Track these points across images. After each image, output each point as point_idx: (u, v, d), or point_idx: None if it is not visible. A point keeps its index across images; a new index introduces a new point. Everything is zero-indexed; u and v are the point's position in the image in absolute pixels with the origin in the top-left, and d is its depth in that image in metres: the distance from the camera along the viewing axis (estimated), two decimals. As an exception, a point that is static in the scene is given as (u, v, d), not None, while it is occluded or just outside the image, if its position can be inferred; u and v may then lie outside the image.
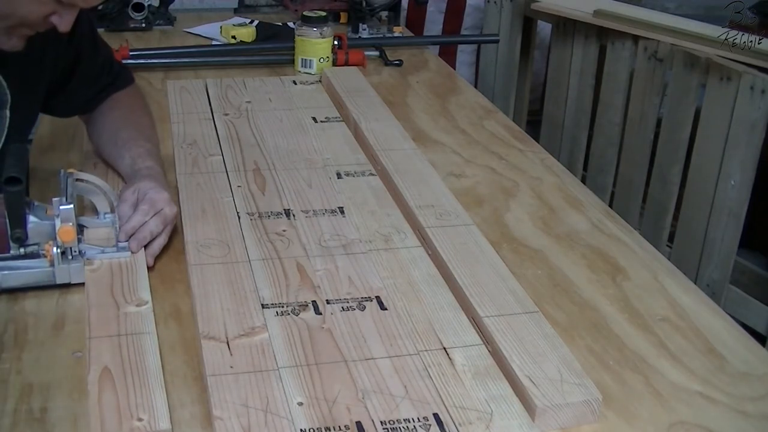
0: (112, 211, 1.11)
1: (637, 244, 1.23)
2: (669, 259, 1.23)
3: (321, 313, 0.98)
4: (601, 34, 2.35)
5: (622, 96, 2.31)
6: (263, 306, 0.98)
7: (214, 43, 2.07)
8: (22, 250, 1.02)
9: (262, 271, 1.06)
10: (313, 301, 1.00)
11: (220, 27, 2.11)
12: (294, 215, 1.20)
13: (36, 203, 1.03)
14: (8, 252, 1.01)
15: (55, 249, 1.01)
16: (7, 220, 0.99)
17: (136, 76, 1.75)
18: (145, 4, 2.12)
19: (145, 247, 1.09)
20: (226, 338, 0.92)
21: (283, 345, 0.92)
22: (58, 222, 0.99)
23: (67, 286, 1.03)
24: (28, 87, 1.19)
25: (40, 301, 1.02)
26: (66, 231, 1.00)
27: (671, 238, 2.19)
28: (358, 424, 0.82)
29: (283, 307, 0.99)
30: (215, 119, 1.51)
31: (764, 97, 1.86)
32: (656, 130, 2.20)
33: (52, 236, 1.01)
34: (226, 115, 1.53)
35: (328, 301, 1.00)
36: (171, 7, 2.22)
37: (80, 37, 1.26)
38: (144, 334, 0.93)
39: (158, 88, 1.72)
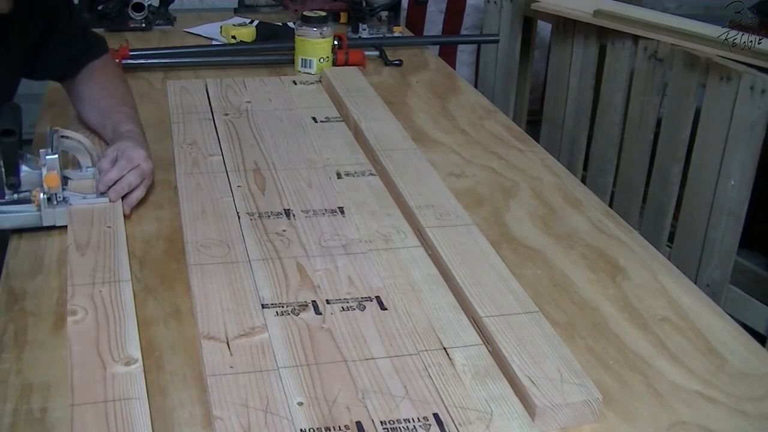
0: (94, 164, 1.23)
1: (637, 244, 1.22)
2: (669, 259, 1.23)
3: (321, 313, 0.98)
4: (601, 34, 2.35)
5: (622, 96, 2.31)
6: (263, 306, 0.98)
7: (214, 43, 2.07)
8: (15, 195, 1.15)
9: (262, 271, 1.06)
10: (313, 301, 1.00)
11: (220, 27, 2.11)
12: (294, 215, 1.20)
13: (28, 155, 1.15)
14: (3, 197, 1.15)
15: (41, 195, 1.14)
16: (3, 169, 1.12)
17: (136, 76, 1.77)
18: (145, 4, 2.11)
19: (123, 198, 1.20)
20: (226, 338, 0.92)
21: (283, 345, 0.92)
22: (44, 170, 1.13)
23: (65, 284, 1.03)
24: (2, 48, 1.29)
25: (40, 301, 1.02)
26: (51, 178, 1.13)
27: (671, 238, 2.19)
28: (358, 424, 0.82)
29: (283, 307, 0.99)
30: (215, 119, 1.51)
31: (764, 97, 1.86)
32: (656, 130, 2.20)
33: (40, 184, 1.14)
34: (226, 115, 1.53)
35: (328, 301, 1.00)
36: (171, 7, 2.22)
37: (54, 3, 1.38)
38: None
39: (158, 88, 1.72)
